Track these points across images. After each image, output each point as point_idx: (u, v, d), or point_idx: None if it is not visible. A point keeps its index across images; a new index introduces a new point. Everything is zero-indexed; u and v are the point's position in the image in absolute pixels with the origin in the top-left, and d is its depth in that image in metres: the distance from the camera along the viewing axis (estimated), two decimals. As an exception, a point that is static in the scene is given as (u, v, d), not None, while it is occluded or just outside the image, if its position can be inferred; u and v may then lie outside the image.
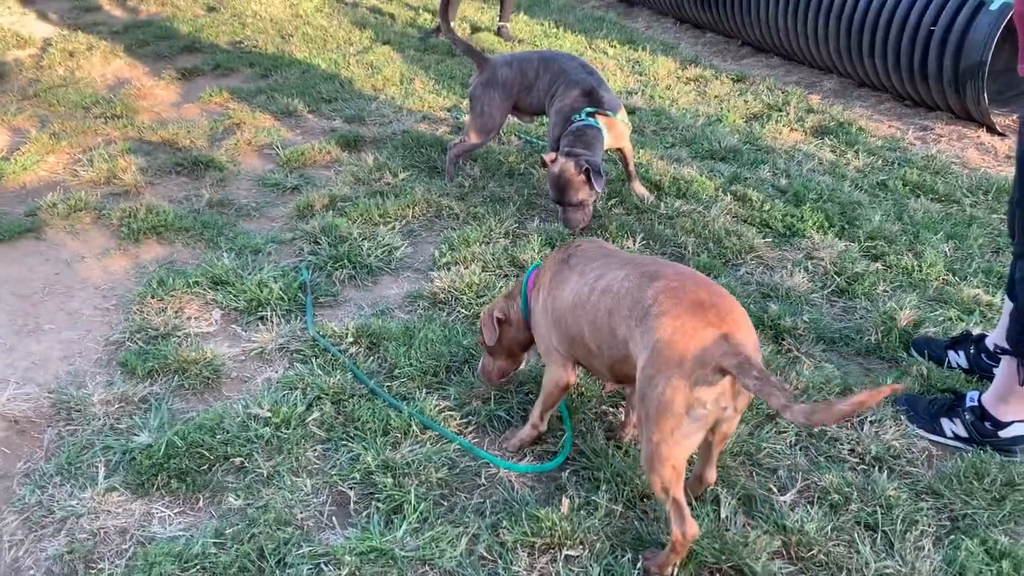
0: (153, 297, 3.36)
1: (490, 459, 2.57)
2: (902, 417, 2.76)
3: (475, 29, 7.66)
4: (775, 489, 2.47)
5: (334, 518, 2.38)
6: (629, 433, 2.63)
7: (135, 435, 2.61)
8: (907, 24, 5.34)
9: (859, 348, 3.16)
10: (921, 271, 3.62)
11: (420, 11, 8.24)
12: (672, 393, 1.93)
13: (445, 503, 2.42)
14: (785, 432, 2.68)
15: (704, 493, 2.41)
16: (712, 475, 2.31)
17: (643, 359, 2.01)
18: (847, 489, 2.44)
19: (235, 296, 3.35)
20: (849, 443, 2.65)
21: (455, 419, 2.73)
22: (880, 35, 5.54)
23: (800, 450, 2.63)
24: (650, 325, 2.01)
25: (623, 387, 2.67)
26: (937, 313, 3.32)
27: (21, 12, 7.73)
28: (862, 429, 2.70)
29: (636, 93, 6.01)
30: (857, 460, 2.59)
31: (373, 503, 2.39)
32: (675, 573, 2.16)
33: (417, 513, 2.34)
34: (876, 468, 2.55)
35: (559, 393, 2.49)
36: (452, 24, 6.28)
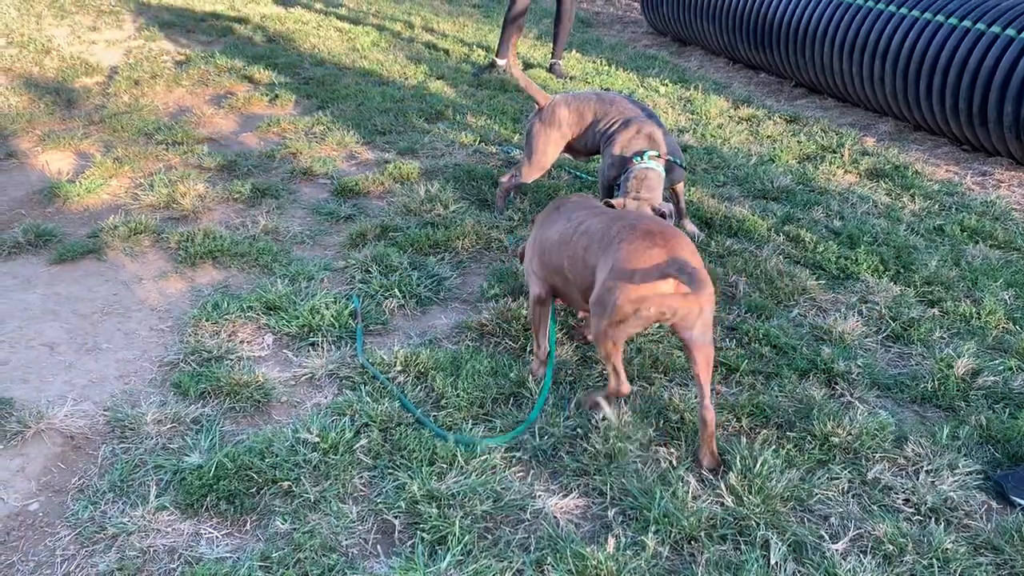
0: (208, 320, 3.42)
1: (446, 436, 2.57)
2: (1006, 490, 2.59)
3: (528, 65, 7.75)
4: (826, 536, 2.41)
5: (379, 546, 2.38)
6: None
7: (186, 455, 2.65)
8: (966, 68, 5.28)
9: (914, 395, 3.09)
10: (980, 318, 3.53)
11: (474, 47, 8.37)
12: (624, 299, 2.48)
13: (489, 536, 2.41)
14: (838, 479, 2.63)
15: (713, 445, 2.65)
16: (711, 413, 2.61)
17: (603, 274, 2.57)
18: (902, 540, 2.38)
19: (287, 322, 3.40)
20: (904, 492, 2.59)
21: (500, 451, 2.73)
22: (938, 78, 5.48)
23: (853, 497, 2.58)
24: (612, 249, 2.58)
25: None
26: (997, 362, 3.24)
27: (90, 41, 8.02)
28: (917, 478, 2.63)
29: (688, 131, 6.01)
30: (912, 510, 2.53)
31: (418, 533, 2.39)
32: (603, 408, 2.77)
33: (461, 545, 2.33)
34: (932, 519, 2.48)
35: (539, 308, 3.04)
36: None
